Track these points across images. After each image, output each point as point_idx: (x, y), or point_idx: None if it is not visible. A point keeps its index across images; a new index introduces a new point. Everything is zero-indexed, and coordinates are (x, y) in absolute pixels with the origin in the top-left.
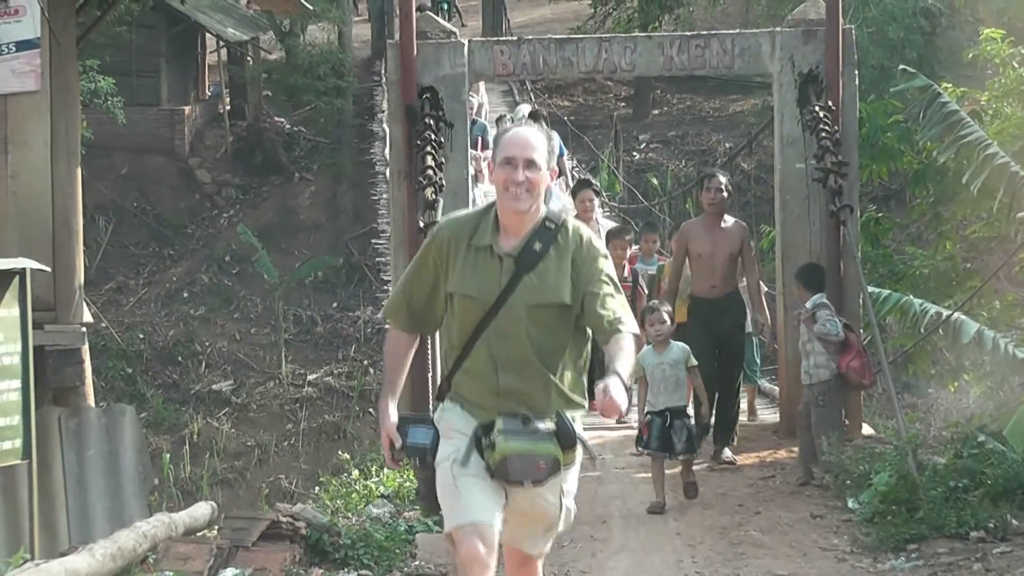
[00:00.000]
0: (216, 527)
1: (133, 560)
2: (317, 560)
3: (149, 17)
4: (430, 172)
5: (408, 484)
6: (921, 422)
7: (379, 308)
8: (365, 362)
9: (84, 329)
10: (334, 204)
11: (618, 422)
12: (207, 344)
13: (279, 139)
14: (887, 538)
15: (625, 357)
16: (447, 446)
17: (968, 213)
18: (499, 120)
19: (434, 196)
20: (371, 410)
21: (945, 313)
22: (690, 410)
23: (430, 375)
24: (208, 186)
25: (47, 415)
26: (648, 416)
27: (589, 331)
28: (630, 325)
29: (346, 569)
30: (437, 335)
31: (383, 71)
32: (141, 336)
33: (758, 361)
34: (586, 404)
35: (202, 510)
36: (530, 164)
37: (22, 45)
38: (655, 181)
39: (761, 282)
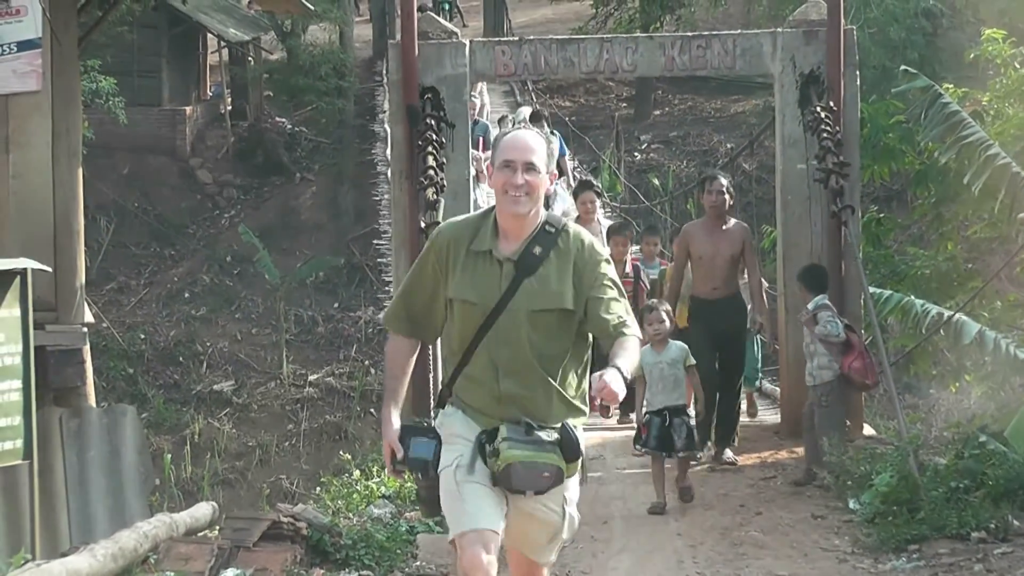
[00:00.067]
0: (217, 527)
1: (134, 560)
2: (318, 560)
3: (150, 17)
4: (431, 172)
5: (409, 485)
6: (922, 423)
7: (380, 308)
8: (366, 362)
9: (85, 329)
10: (335, 204)
11: (619, 422)
12: (208, 344)
13: (280, 139)
14: (888, 539)
15: (627, 355)
16: (449, 452)
17: (969, 214)
18: (501, 120)
19: (435, 196)
20: (372, 411)
21: (947, 314)
22: (691, 410)
23: (431, 380)
24: (209, 186)
25: (48, 415)
26: (647, 416)
27: (590, 337)
28: (634, 329)
29: (347, 569)
30: (438, 340)
31: (384, 71)
32: (142, 336)
33: (759, 360)
34: (587, 410)
35: (203, 510)
36: (529, 167)
37: (23, 45)
38: (656, 181)
39: (764, 281)
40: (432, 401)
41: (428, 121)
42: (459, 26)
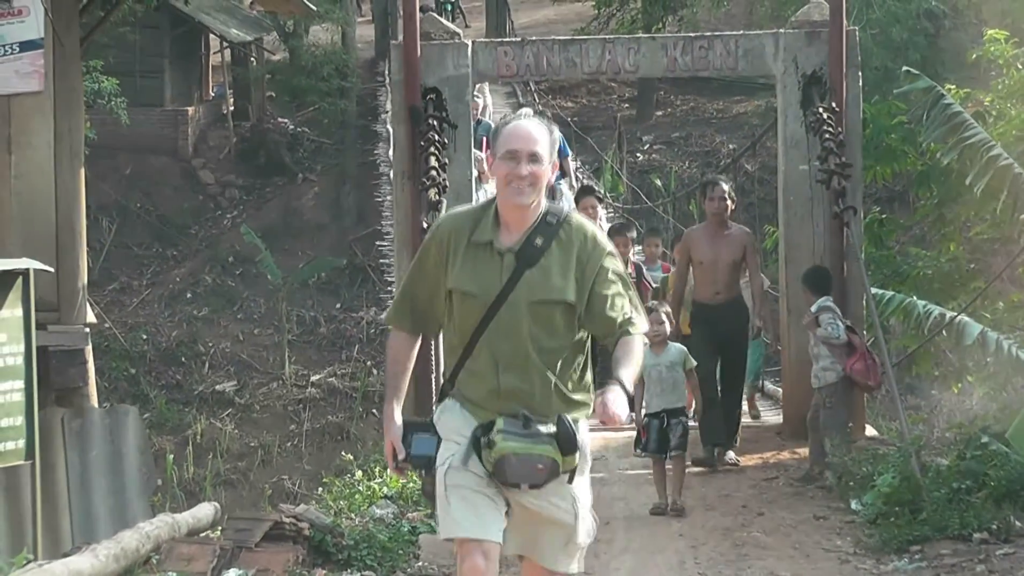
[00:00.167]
0: (219, 528)
1: (136, 561)
2: (320, 561)
3: (152, 18)
4: (434, 173)
5: (411, 485)
6: (924, 423)
7: (383, 309)
8: (368, 363)
9: (87, 330)
10: (337, 205)
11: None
12: (210, 345)
13: (283, 140)
14: (890, 539)
15: (630, 361)
16: (444, 451)
17: (972, 214)
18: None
19: (438, 197)
20: (374, 411)
21: (949, 315)
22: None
23: (433, 375)
24: (211, 187)
25: (50, 416)
26: (645, 418)
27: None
28: (640, 325)
29: (349, 570)
30: (440, 337)
31: (387, 72)
32: (144, 337)
33: (760, 363)
34: (591, 403)
35: (205, 511)
36: (533, 157)
37: (26, 46)
38: (659, 182)
39: (766, 280)
40: (434, 397)
41: (430, 122)
42: (461, 27)
